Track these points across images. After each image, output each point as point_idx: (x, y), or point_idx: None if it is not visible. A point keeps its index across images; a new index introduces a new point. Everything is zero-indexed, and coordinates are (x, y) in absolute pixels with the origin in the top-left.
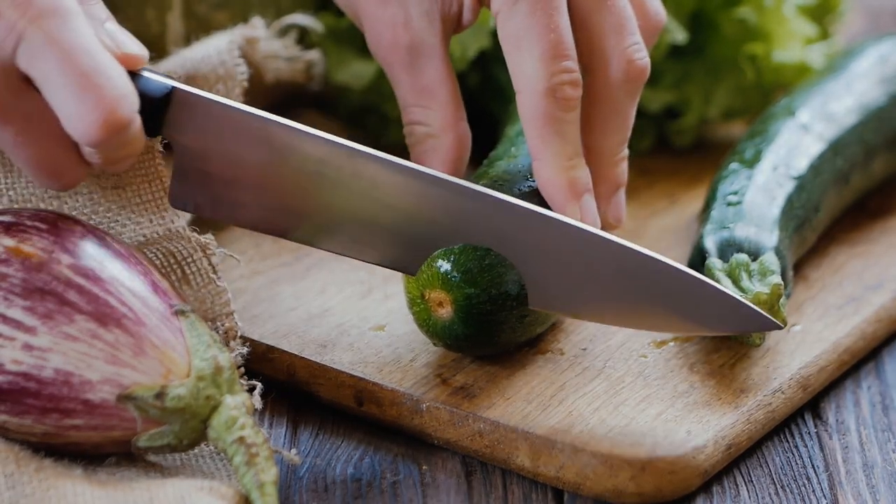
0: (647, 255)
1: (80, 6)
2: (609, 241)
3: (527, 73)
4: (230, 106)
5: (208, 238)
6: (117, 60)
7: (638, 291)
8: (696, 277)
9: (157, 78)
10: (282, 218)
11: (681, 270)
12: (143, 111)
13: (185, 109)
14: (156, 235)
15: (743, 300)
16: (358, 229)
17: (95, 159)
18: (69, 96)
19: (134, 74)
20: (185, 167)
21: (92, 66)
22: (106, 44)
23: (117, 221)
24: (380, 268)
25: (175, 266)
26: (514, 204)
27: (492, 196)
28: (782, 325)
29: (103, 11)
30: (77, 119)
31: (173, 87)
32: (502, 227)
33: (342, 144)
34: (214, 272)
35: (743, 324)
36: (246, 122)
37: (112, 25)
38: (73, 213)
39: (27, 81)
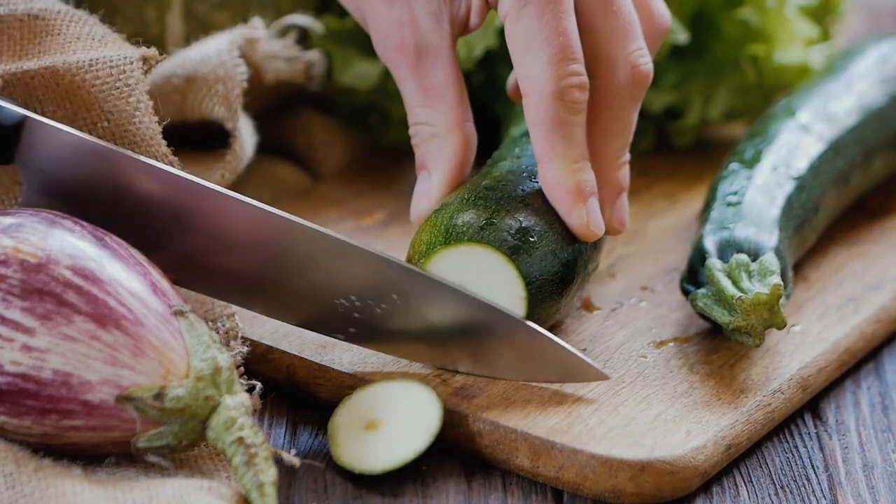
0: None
1: None
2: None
3: (535, 75)
4: (80, 137)
5: None
6: None
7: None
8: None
9: (9, 106)
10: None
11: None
12: None
13: (35, 138)
14: None
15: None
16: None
17: None
18: None
19: None
20: (36, 195)
21: None
22: None
23: None
24: None
25: None
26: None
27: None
28: (607, 376)
29: None
30: None
31: (24, 116)
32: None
33: (194, 181)
34: None
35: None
36: (96, 152)
37: None
38: None
39: None
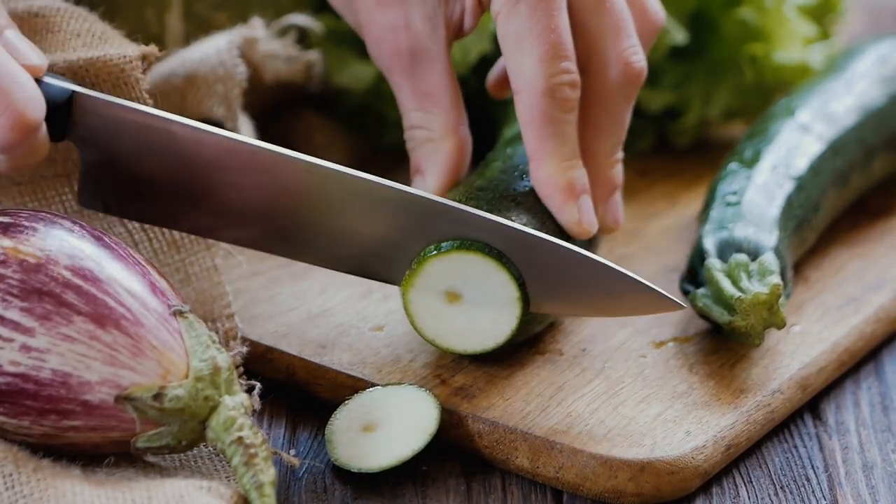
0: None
1: None
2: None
3: (526, 73)
4: (131, 107)
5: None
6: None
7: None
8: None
9: (57, 83)
10: (191, 216)
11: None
12: (46, 117)
13: (86, 112)
14: None
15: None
16: (267, 226)
17: (2, 165)
18: None
19: (35, 81)
20: (92, 168)
21: None
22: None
23: None
24: None
25: (179, 265)
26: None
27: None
28: (682, 305)
29: (3, 18)
30: None
31: (73, 91)
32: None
33: (246, 143)
34: (216, 271)
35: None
36: (147, 122)
37: (11, 33)
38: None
39: None
